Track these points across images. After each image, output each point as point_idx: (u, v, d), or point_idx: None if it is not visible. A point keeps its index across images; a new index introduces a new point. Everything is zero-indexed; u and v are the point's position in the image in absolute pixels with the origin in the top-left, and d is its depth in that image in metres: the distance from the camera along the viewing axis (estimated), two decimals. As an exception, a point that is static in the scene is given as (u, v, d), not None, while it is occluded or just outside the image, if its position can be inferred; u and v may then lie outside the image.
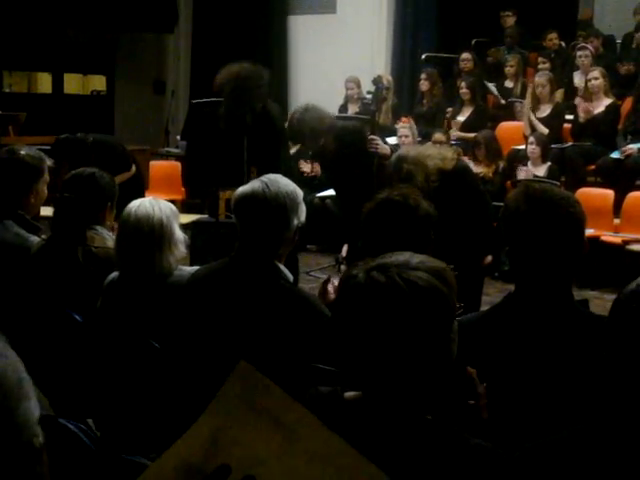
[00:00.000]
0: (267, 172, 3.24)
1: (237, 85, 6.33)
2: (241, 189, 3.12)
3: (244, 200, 3.08)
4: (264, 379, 1.50)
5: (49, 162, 4.35)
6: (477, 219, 5.52)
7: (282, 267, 3.09)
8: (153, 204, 3.47)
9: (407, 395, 1.74)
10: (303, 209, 3.12)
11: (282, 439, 1.44)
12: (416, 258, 1.78)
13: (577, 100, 9.15)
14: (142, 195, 7.17)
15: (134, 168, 7.47)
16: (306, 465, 1.42)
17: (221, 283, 3.10)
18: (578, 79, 9.94)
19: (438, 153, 4.97)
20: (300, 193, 3.13)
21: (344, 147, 6.19)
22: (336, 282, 3.39)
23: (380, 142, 6.03)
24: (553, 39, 10.91)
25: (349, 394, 1.82)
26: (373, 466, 1.42)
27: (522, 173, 8.43)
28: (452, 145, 8.03)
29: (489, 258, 5.19)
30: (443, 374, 1.77)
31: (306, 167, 9.80)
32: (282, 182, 3.10)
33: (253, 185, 3.09)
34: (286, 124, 6.56)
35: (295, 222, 3.09)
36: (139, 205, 3.47)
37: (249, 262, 3.06)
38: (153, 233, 3.40)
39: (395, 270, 1.73)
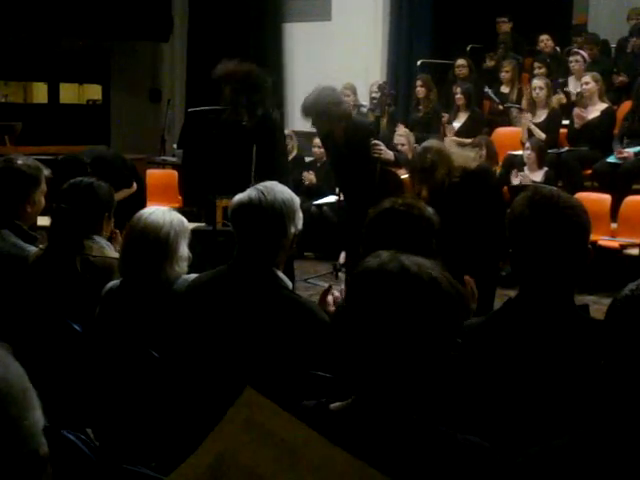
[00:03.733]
0: (263, 179, 3.24)
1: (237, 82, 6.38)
2: (238, 197, 3.12)
3: (241, 208, 3.08)
4: (269, 403, 1.50)
5: (46, 172, 4.33)
6: (493, 222, 5.55)
7: (280, 274, 3.08)
8: (165, 215, 3.43)
9: (400, 397, 1.74)
10: (300, 216, 3.12)
11: (286, 458, 1.45)
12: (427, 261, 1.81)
13: (574, 110, 9.15)
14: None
15: (135, 185, 7.41)
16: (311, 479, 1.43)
17: (220, 291, 3.09)
18: (573, 84, 9.97)
19: (462, 151, 5.16)
20: (297, 200, 3.12)
21: (353, 143, 6.15)
22: (336, 293, 3.39)
23: (384, 148, 6.02)
24: (545, 40, 10.91)
25: (335, 405, 1.81)
26: (378, 474, 1.43)
27: (518, 179, 8.45)
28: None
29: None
30: (439, 376, 1.78)
31: (310, 175, 9.81)
32: (278, 189, 3.09)
33: (250, 193, 3.08)
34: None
35: (292, 229, 3.08)
36: (151, 213, 3.44)
37: (247, 270, 3.06)
38: (157, 244, 3.37)
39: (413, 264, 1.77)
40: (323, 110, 6.08)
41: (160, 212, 3.45)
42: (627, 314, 1.60)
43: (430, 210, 2.98)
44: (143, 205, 7.13)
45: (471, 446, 1.74)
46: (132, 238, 3.44)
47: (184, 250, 3.45)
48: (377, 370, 1.73)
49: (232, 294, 3.05)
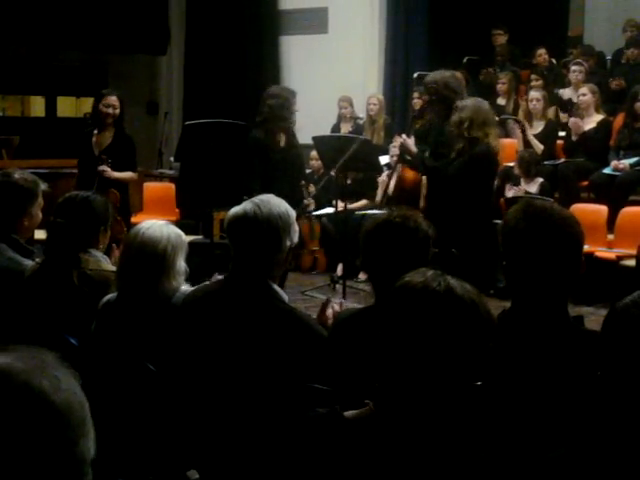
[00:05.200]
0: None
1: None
2: (233, 210, 3.12)
3: (236, 221, 3.08)
4: None
5: (44, 186, 4.33)
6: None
7: (276, 287, 3.09)
8: (163, 230, 3.43)
9: (423, 411, 1.74)
10: (296, 230, 3.12)
11: None
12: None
13: (570, 120, 9.15)
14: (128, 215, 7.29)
15: (136, 176, 7.54)
16: None
17: (216, 304, 3.09)
18: (569, 94, 9.99)
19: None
20: (292, 213, 3.13)
21: None
22: (336, 307, 3.39)
23: (406, 142, 6.33)
24: (542, 55, 10.95)
25: (350, 413, 1.82)
26: None
27: (511, 192, 8.47)
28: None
29: None
30: (466, 395, 1.78)
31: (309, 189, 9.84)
32: (274, 203, 3.09)
33: (245, 206, 3.09)
34: None
35: (288, 243, 3.08)
36: (149, 227, 3.43)
37: (243, 283, 3.06)
38: (155, 258, 3.37)
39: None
40: None
41: (157, 226, 3.45)
42: (624, 323, 1.60)
43: (426, 222, 2.98)
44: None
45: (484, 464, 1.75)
46: (129, 253, 3.44)
47: (181, 264, 3.45)
48: (406, 382, 1.74)
49: (229, 307, 3.05)
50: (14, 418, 1.11)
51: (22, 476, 1.08)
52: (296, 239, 3.12)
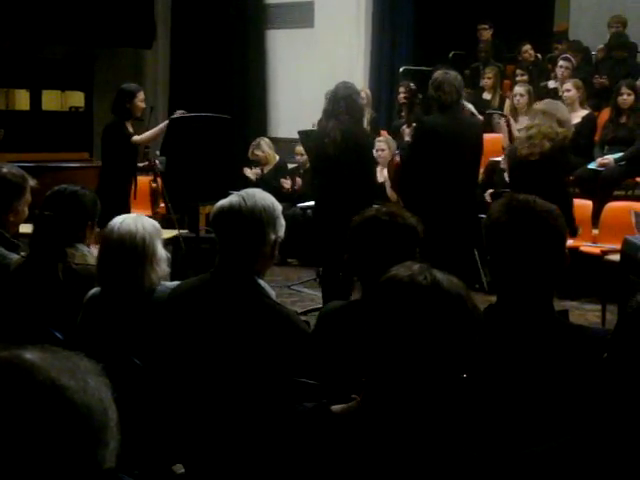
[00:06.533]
0: None
1: None
2: (219, 203, 3.12)
3: (221, 214, 3.09)
4: None
5: (32, 182, 4.30)
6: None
7: (262, 283, 3.08)
8: (136, 221, 3.46)
9: (412, 406, 1.74)
10: (282, 223, 3.12)
11: None
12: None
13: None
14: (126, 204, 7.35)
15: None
16: None
17: (202, 299, 3.09)
18: (554, 85, 10.02)
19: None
20: (278, 207, 3.12)
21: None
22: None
23: (404, 132, 6.73)
24: (528, 50, 10.99)
25: (337, 407, 1.82)
26: None
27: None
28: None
29: None
30: (452, 389, 1.78)
31: (286, 184, 9.84)
32: (259, 196, 3.09)
33: (231, 199, 3.09)
34: None
35: (272, 236, 3.08)
36: (122, 221, 3.46)
37: (229, 278, 3.06)
38: (135, 250, 3.39)
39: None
40: None
41: (131, 219, 3.49)
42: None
43: (414, 219, 2.99)
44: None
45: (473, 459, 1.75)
46: (109, 248, 3.44)
47: (162, 251, 3.48)
48: (392, 376, 1.74)
49: (214, 302, 3.05)
50: (28, 410, 1.11)
51: (28, 468, 1.08)
52: (282, 233, 3.12)
